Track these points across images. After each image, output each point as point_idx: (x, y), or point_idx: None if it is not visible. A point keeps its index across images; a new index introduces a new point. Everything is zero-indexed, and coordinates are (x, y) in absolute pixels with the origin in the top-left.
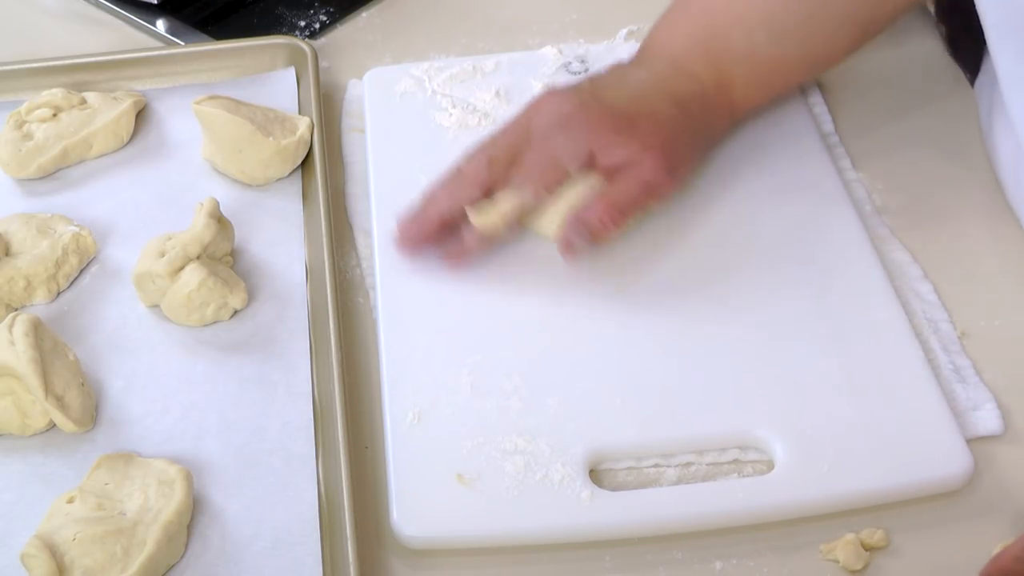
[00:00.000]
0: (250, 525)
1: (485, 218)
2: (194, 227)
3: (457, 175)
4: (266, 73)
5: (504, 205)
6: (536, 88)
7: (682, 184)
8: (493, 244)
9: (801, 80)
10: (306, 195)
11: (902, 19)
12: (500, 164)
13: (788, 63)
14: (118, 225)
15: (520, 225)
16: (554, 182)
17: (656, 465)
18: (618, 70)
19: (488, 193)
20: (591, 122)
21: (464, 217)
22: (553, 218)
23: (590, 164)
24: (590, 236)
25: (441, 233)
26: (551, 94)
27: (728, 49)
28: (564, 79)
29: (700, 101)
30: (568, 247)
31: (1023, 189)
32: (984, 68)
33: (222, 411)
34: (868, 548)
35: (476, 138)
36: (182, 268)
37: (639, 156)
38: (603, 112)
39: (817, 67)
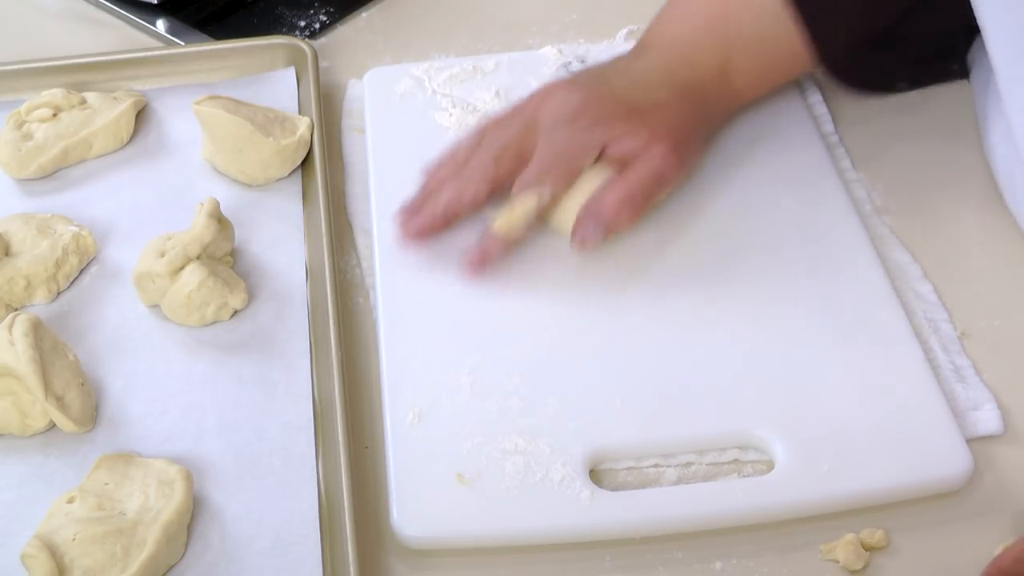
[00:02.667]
0: (250, 525)
1: (505, 222)
2: (194, 227)
3: (462, 169)
4: (266, 73)
5: (523, 206)
6: (536, 88)
7: (689, 172)
8: (513, 247)
9: (803, 70)
10: (306, 195)
11: None
12: (507, 159)
13: (793, 51)
14: (118, 225)
15: (537, 223)
16: (569, 177)
17: (656, 465)
18: (620, 61)
19: (497, 189)
20: (601, 114)
21: (467, 210)
22: (568, 213)
23: (602, 156)
24: (604, 228)
25: (445, 227)
26: (555, 86)
27: (738, 34)
28: None
29: (701, 89)
30: (582, 240)
31: (1019, 190)
32: (975, 71)
33: (222, 411)
34: (868, 548)
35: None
36: (182, 268)
37: (648, 146)
38: (612, 103)
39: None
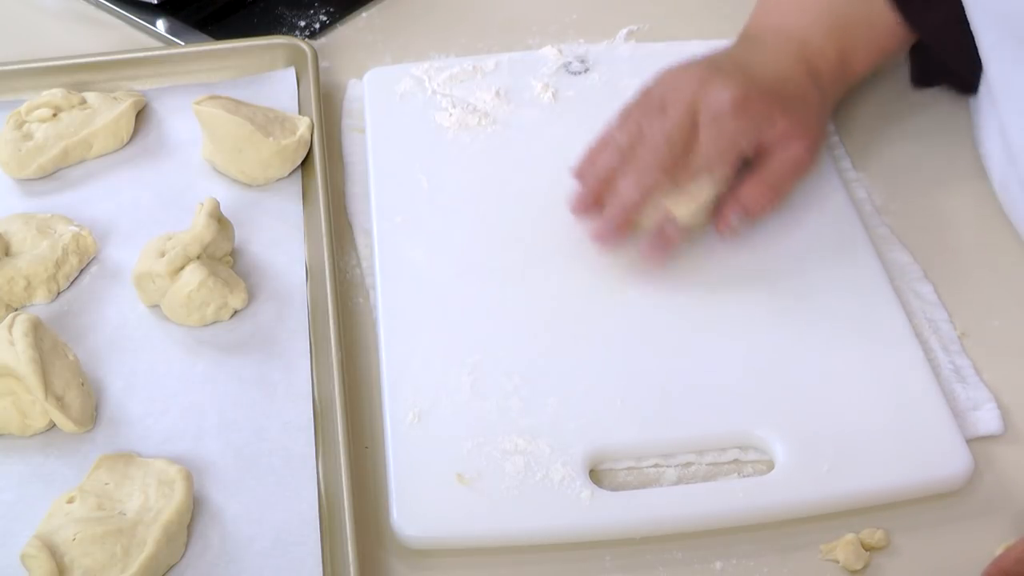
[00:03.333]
0: (250, 525)
1: (688, 210)
2: (194, 227)
3: (632, 159)
4: (266, 73)
5: (703, 194)
6: (536, 88)
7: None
8: (689, 234)
9: (907, 45)
10: (306, 195)
11: None
12: (676, 144)
13: (889, 29)
14: (118, 225)
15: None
16: (736, 166)
17: (656, 465)
18: (748, 49)
19: (671, 176)
20: (760, 104)
21: (653, 206)
22: (686, 204)
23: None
24: (750, 215)
25: (627, 221)
26: (707, 73)
27: (847, 19)
28: (564, 79)
29: (830, 77)
30: (728, 228)
31: (1013, 191)
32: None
33: (222, 411)
34: (868, 548)
35: (476, 138)
36: (182, 268)
37: (791, 136)
38: (769, 97)
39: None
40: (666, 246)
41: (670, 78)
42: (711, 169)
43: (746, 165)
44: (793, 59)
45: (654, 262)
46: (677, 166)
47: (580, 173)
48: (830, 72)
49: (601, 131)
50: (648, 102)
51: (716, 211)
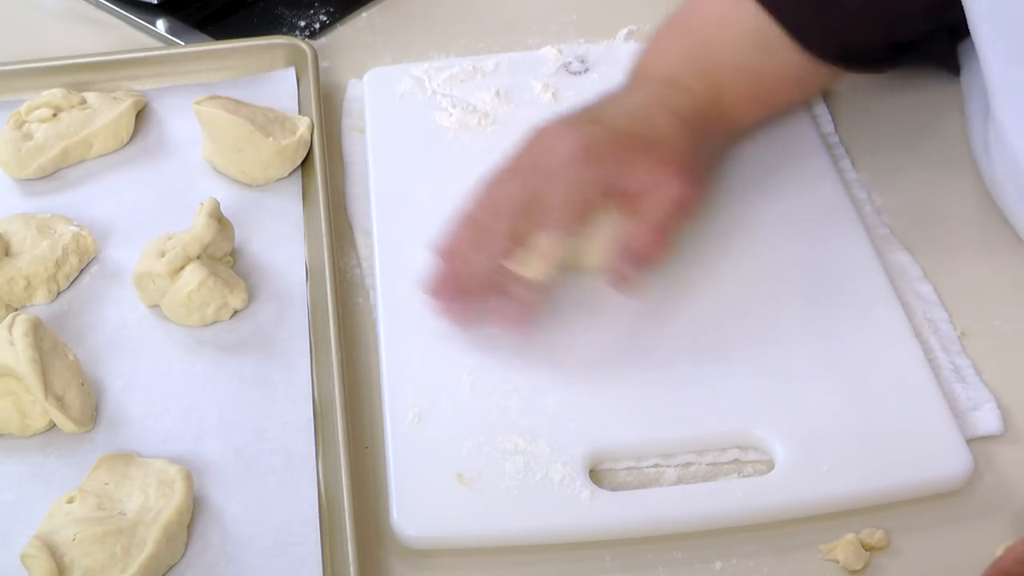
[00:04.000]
0: (250, 525)
1: (529, 268)
2: (194, 227)
3: (478, 229)
4: (266, 73)
5: (543, 248)
6: (536, 88)
7: (702, 199)
8: (546, 292)
9: (795, 97)
10: (306, 195)
11: None
12: (519, 209)
13: (779, 77)
14: (118, 225)
15: (563, 266)
16: (584, 216)
17: (656, 465)
18: (611, 97)
19: (520, 244)
20: (607, 150)
21: (498, 272)
22: (591, 249)
23: (611, 193)
24: (640, 263)
25: (480, 293)
26: (551, 129)
27: (717, 63)
28: (564, 79)
29: (698, 114)
30: (621, 280)
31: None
32: (964, 75)
33: (222, 411)
34: (868, 548)
35: (476, 138)
36: (182, 268)
37: (661, 176)
38: (615, 138)
39: (807, 83)
40: (523, 311)
41: (524, 142)
42: (557, 222)
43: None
44: (658, 101)
45: (516, 329)
46: (529, 228)
47: (439, 250)
48: (706, 114)
49: (462, 205)
50: (502, 172)
51: (606, 266)
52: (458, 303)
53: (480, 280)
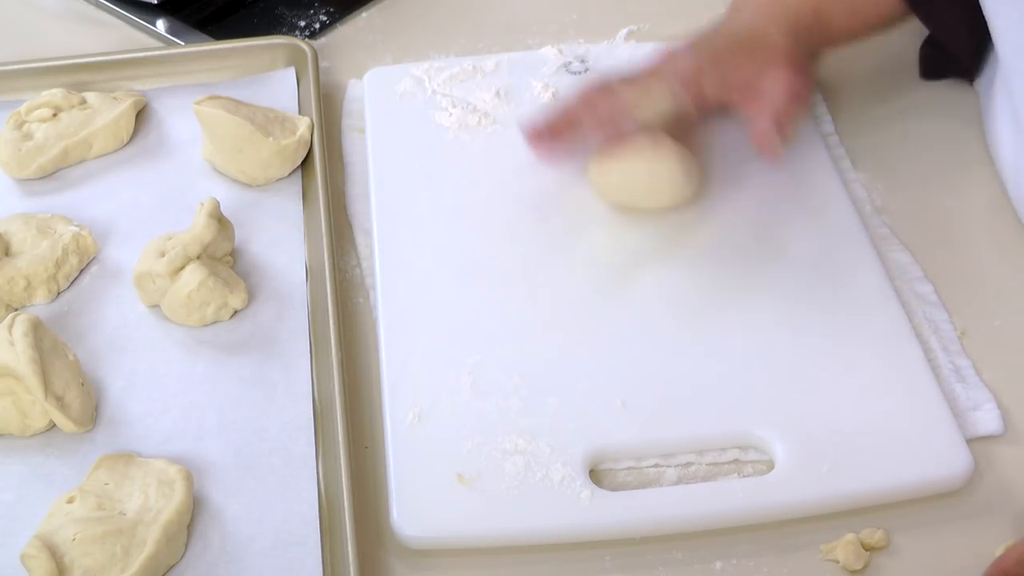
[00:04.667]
0: (250, 525)
1: (636, 98)
2: (194, 227)
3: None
4: (266, 73)
5: (660, 93)
6: (536, 88)
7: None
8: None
9: (888, 13)
10: (306, 195)
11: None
12: (636, 91)
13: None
14: (118, 225)
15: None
16: (700, 102)
17: (656, 465)
18: (719, 25)
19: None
20: (721, 56)
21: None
22: (610, 178)
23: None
24: (780, 129)
25: (571, 135)
26: (668, 52)
27: None
28: (564, 79)
29: (800, 24)
30: (770, 144)
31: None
32: (984, 69)
33: (222, 411)
34: (868, 548)
35: (476, 138)
36: (182, 268)
37: (772, 71)
38: (727, 47)
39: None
40: (616, 132)
41: (643, 67)
42: (671, 87)
43: None
44: (764, 17)
45: (604, 144)
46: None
47: (546, 109)
48: (811, 27)
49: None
50: (621, 78)
51: (749, 133)
52: (540, 126)
53: (569, 111)
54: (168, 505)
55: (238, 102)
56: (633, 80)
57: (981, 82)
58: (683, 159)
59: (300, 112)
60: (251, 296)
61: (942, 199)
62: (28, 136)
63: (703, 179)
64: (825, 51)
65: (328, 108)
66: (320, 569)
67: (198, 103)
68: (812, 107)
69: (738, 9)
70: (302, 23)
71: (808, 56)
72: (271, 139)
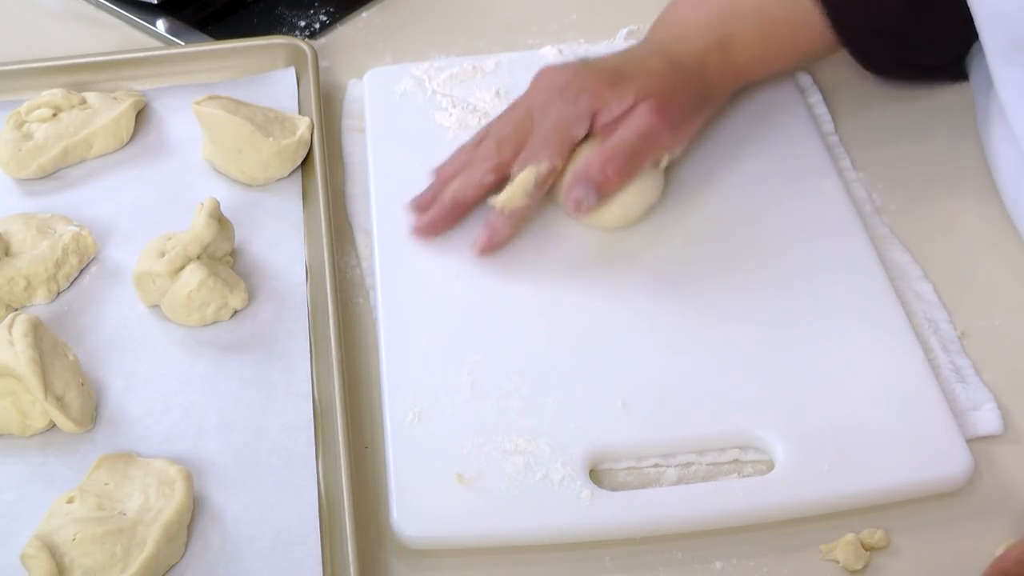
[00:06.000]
0: (250, 525)
1: (506, 196)
2: (194, 227)
3: (468, 159)
4: (266, 73)
5: (522, 179)
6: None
7: (684, 140)
8: (520, 223)
9: (810, 49)
10: (306, 195)
11: None
12: (509, 143)
13: (796, 25)
14: (118, 225)
15: (546, 198)
16: (565, 148)
17: (656, 465)
18: (615, 50)
19: (502, 175)
20: (588, 83)
21: (474, 199)
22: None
23: (594, 128)
24: (594, 189)
25: (456, 218)
26: (545, 70)
27: (738, 7)
28: None
29: (696, 57)
30: (576, 204)
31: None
32: (976, 75)
33: (222, 411)
34: (868, 548)
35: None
36: (182, 268)
37: (634, 107)
38: (599, 73)
39: (820, 40)
40: (491, 236)
41: (530, 83)
42: (536, 154)
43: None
44: (657, 45)
45: (480, 252)
46: (514, 160)
47: (432, 171)
48: (709, 58)
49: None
50: (504, 111)
51: (564, 190)
52: (427, 213)
53: (455, 199)
54: (168, 505)
55: (238, 102)
56: (499, 138)
57: (978, 83)
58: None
59: (300, 112)
60: (251, 296)
61: (942, 199)
62: (28, 136)
63: (657, 188)
64: (736, 86)
65: (328, 108)
66: (320, 569)
67: (198, 103)
68: (677, 150)
69: (647, 37)
70: (302, 23)
71: (691, 95)
72: (271, 139)
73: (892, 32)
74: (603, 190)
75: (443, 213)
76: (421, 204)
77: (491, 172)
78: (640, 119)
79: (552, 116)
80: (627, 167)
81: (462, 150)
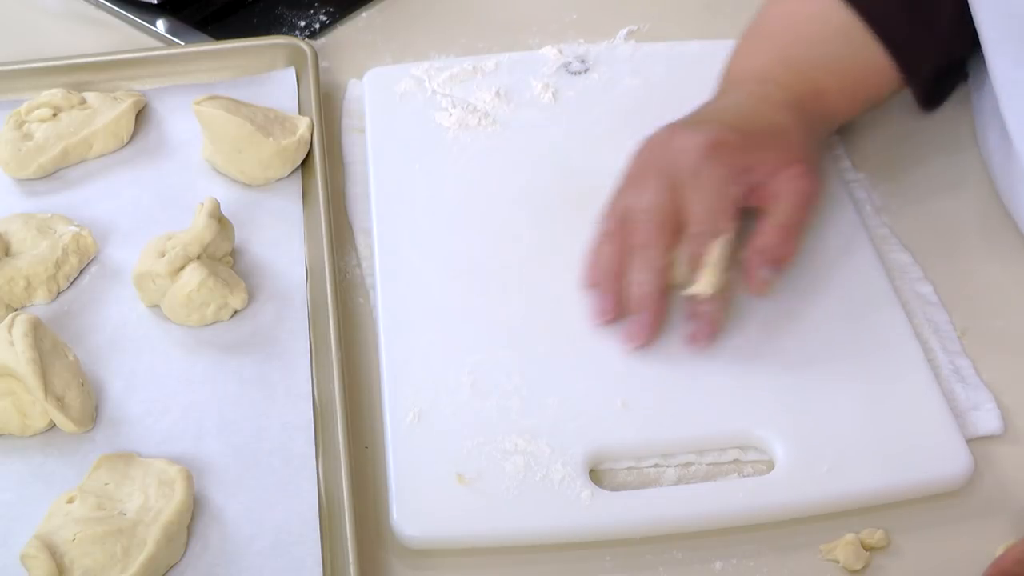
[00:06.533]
0: (250, 525)
1: (709, 282)
2: (194, 227)
3: (622, 248)
4: (266, 73)
5: (716, 257)
6: (536, 88)
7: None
8: (727, 301)
9: (890, 88)
10: (306, 195)
11: None
12: (670, 220)
13: (870, 72)
14: (118, 225)
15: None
16: (734, 214)
17: (656, 465)
18: (710, 103)
19: (669, 253)
20: (735, 145)
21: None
22: (706, 278)
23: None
24: (778, 266)
25: (663, 310)
26: (666, 133)
27: (809, 59)
28: (564, 79)
29: (800, 107)
30: (764, 285)
31: (1016, 192)
32: (973, 75)
33: (222, 411)
34: (868, 548)
35: (476, 138)
36: (182, 268)
37: (790, 171)
38: (738, 135)
39: (891, 84)
40: (712, 327)
41: (643, 150)
42: (714, 227)
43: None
44: (763, 97)
45: (705, 343)
46: (675, 238)
47: (590, 279)
48: (809, 107)
49: (595, 231)
50: (628, 183)
51: (743, 269)
52: (639, 329)
53: (650, 302)
54: (168, 505)
55: (238, 102)
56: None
57: (973, 97)
58: None
59: (300, 112)
60: (251, 296)
61: (942, 199)
62: (28, 136)
63: None
64: (825, 132)
65: (328, 108)
66: (320, 569)
67: (198, 103)
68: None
69: (722, 88)
70: (302, 23)
71: (814, 141)
72: (271, 139)
73: (951, 68)
74: (782, 264)
75: (651, 316)
76: (606, 310)
77: (664, 256)
78: (801, 182)
79: (710, 184)
80: (801, 236)
81: (606, 237)
